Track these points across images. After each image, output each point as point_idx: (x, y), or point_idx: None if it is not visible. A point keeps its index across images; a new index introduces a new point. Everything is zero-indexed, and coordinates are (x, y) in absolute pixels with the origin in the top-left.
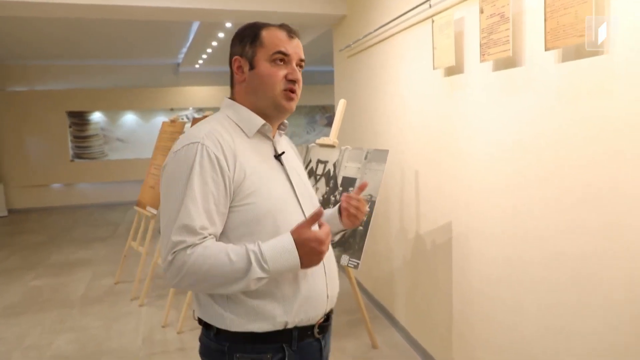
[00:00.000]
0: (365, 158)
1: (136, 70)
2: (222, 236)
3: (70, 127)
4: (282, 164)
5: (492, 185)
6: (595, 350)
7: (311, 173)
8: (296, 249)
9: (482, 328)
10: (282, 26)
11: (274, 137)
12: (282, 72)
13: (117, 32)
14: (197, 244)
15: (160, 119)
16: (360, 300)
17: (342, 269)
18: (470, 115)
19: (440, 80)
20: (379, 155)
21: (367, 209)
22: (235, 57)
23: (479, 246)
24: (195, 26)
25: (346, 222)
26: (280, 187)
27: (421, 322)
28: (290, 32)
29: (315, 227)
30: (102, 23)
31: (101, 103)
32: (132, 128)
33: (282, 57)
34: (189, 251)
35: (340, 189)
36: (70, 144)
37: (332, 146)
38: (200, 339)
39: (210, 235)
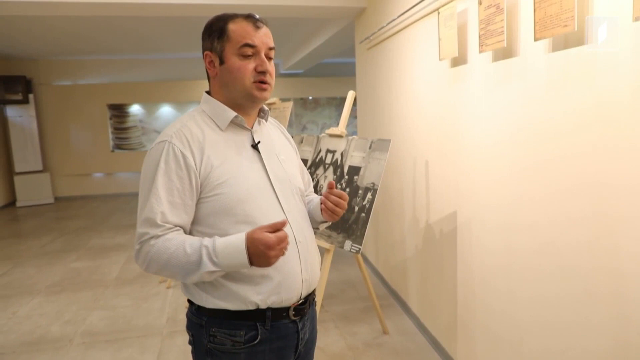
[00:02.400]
0: (370, 147)
1: (172, 63)
2: (195, 225)
3: (110, 119)
4: (259, 152)
5: (490, 176)
6: (583, 342)
7: (320, 162)
8: (245, 249)
9: (481, 316)
10: (249, 17)
11: (252, 126)
12: (251, 65)
13: (152, 28)
14: (159, 236)
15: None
16: (370, 287)
17: (352, 257)
18: (472, 106)
19: (447, 71)
20: (382, 145)
21: (341, 208)
22: (206, 52)
23: (479, 236)
24: None
25: (325, 216)
26: (253, 176)
27: (431, 310)
28: (257, 22)
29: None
30: (137, 20)
31: (139, 96)
32: (168, 120)
33: (250, 50)
34: (152, 242)
35: (346, 177)
36: (110, 135)
37: (340, 136)
38: (187, 314)
39: (175, 227)
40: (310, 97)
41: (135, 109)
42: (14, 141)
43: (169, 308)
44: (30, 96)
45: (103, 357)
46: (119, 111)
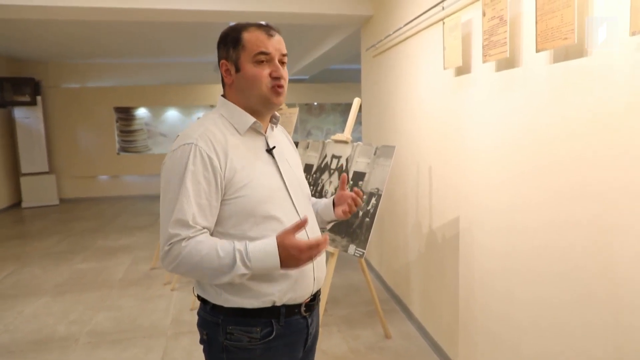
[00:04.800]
0: (375, 154)
1: (179, 68)
2: (218, 226)
3: (117, 122)
4: (273, 157)
5: (492, 181)
6: (581, 344)
7: (326, 167)
8: (278, 253)
9: (482, 318)
10: (262, 26)
11: (266, 131)
12: (266, 71)
13: (160, 33)
14: (191, 237)
15: (200, 115)
16: (373, 292)
17: (357, 262)
18: (475, 114)
19: (451, 80)
20: (387, 151)
21: (361, 201)
22: (222, 61)
23: (481, 239)
24: None
25: (339, 213)
26: (271, 179)
27: (432, 314)
28: (270, 31)
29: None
30: (145, 25)
31: (146, 99)
32: (174, 123)
33: (264, 57)
34: (183, 243)
35: (351, 182)
36: (116, 138)
37: (346, 142)
38: (198, 313)
39: (203, 228)
40: (316, 103)
41: (141, 112)
42: (20, 142)
43: (173, 309)
44: (38, 98)
45: (108, 356)
46: (125, 114)
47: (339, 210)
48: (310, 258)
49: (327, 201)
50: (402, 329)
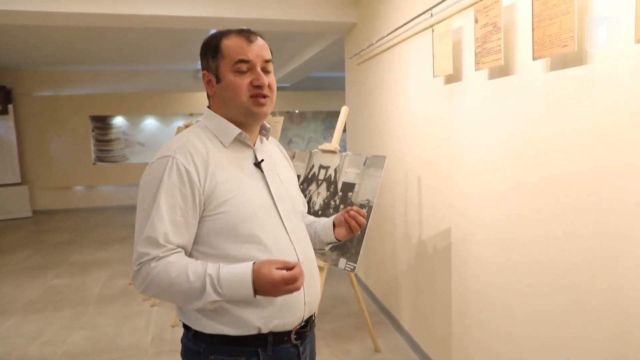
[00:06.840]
0: (364, 164)
1: (157, 75)
2: (196, 244)
3: (93, 131)
4: (262, 170)
5: (485, 192)
6: (582, 358)
7: (313, 178)
8: (252, 282)
9: (477, 333)
10: (242, 31)
11: (254, 144)
12: (247, 80)
13: (138, 39)
14: (161, 257)
15: (180, 124)
16: (362, 304)
17: (345, 274)
18: (467, 123)
19: (441, 88)
20: (377, 161)
21: (362, 219)
22: (203, 71)
23: (475, 251)
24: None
25: (339, 234)
26: (257, 195)
27: (423, 327)
28: (250, 36)
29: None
30: (123, 31)
31: (123, 107)
32: (152, 132)
33: (245, 65)
34: (153, 264)
35: (340, 193)
36: (92, 148)
37: (334, 152)
38: (182, 340)
39: (177, 248)
40: (297, 111)
41: (118, 120)
42: None
43: (153, 327)
44: (10, 106)
45: None
46: (101, 123)
47: (339, 231)
48: (286, 292)
49: (326, 221)
50: (391, 342)
